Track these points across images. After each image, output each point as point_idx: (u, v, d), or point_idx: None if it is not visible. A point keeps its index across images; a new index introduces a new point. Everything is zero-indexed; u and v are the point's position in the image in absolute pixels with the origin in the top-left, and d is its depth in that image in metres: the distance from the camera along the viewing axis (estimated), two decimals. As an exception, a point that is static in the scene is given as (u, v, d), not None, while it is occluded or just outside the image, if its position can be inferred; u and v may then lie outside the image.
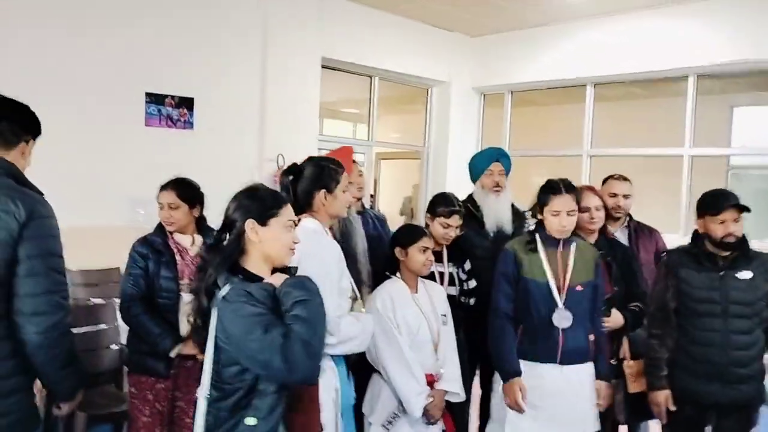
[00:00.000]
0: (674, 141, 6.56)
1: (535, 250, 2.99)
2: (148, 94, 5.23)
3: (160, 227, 3.13)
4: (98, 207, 4.82)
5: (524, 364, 2.89)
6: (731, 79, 6.75)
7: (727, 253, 2.90)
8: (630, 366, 3.17)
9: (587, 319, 2.94)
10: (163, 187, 3.12)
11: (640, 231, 3.75)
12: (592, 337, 2.94)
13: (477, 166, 3.91)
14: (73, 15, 4.83)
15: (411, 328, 2.92)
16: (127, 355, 3.16)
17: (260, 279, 1.99)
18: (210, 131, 5.59)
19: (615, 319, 3.15)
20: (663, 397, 2.94)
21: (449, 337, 3.07)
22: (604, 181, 3.81)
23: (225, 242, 2.03)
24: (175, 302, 2.98)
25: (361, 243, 3.14)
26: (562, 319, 2.86)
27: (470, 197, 3.85)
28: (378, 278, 3.18)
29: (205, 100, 5.57)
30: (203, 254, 2.11)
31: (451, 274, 3.35)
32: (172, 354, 2.90)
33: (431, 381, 2.93)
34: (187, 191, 3.13)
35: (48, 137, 4.69)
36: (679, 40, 6.23)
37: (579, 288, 2.94)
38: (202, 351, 2.02)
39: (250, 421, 1.87)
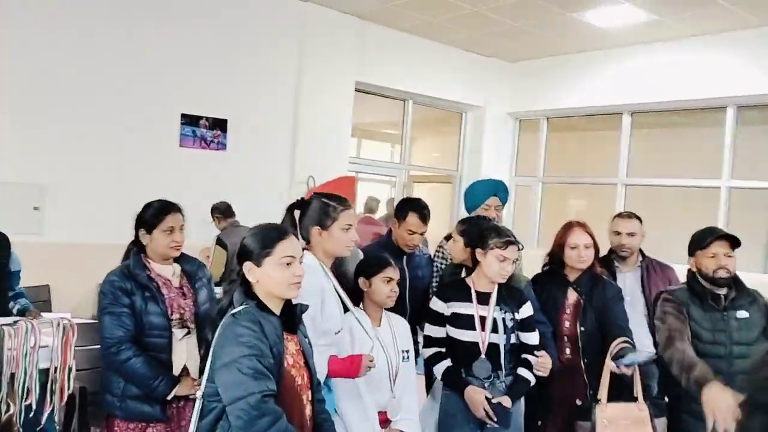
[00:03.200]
0: (712, 172, 6.40)
1: (457, 272, 3.12)
2: (183, 116, 5.35)
3: (137, 258, 2.78)
4: (129, 225, 4.91)
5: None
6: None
7: (724, 291, 2.86)
8: (603, 409, 2.78)
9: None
10: (168, 209, 2.82)
11: (652, 269, 3.67)
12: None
13: (475, 198, 3.83)
14: (114, 39, 4.99)
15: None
16: (110, 401, 2.73)
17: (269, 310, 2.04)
18: (242, 153, 5.69)
19: (543, 362, 2.94)
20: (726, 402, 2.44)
21: (409, 374, 2.93)
22: (613, 218, 3.79)
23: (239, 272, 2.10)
24: (166, 340, 2.70)
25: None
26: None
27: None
28: (414, 318, 3.21)
29: (239, 121, 5.68)
30: (225, 286, 2.17)
31: (495, 320, 2.94)
32: (170, 397, 2.66)
33: (384, 419, 2.80)
34: (182, 211, 2.87)
35: (85, 157, 4.89)
36: (718, 70, 6.11)
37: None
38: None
39: None
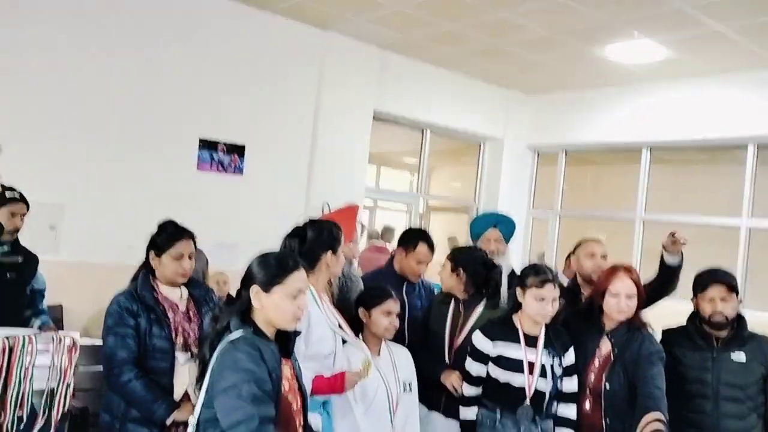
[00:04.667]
0: (732, 210, 6.32)
1: (447, 303, 3.12)
2: (201, 141, 5.42)
3: (146, 279, 2.78)
4: (143, 246, 4.95)
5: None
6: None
7: (722, 333, 2.82)
8: None
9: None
10: (180, 236, 2.81)
11: None
12: None
13: (474, 231, 3.80)
14: (134, 63, 5.08)
15: (367, 393, 2.75)
16: (109, 421, 2.72)
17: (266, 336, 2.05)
18: (259, 177, 5.73)
19: None
20: None
21: (411, 406, 2.90)
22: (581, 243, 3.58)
23: (240, 297, 2.10)
24: (170, 364, 2.69)
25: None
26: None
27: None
28: (412, 348, 3.18)
29: (257, 147, 5.73)
30: (220, 305, 2.16)
31: (543, 367, 2.83)
32: (168, 422, 2.62)
33: None
34: (195, 238, 2.87)
35: (102, 177, 4.96)
36: (738, 108, 6.06)
37: None
38: None
39: None
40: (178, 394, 2.67)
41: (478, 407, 2.91)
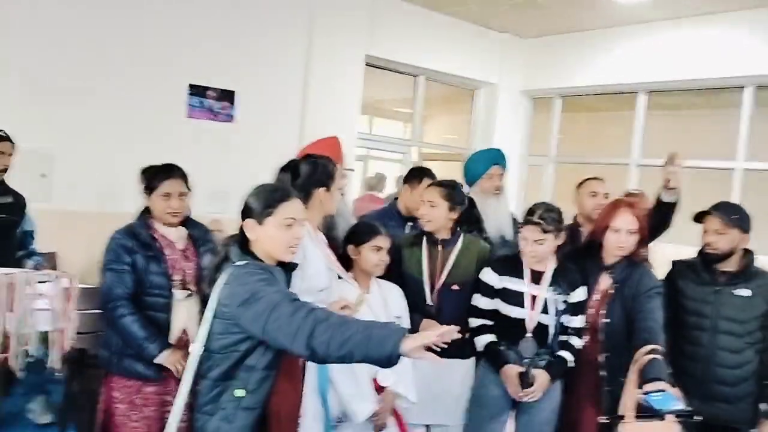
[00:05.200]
0: (727, 153, 6.27)
1: (418, 245, 3.04)
2: (191, 86, 5.31)
3: (143, 218, 2.83)
4: (137, 194, 4.91)
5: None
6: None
7: (727, 268, 2.82)
8: (628, 429, 2.45)
9: (462, 319, 2.90)
10: (168, 174, 2.81)
11: None
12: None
13: (477, 169, 3.75)
14: (117, 8, 4.93)
15: None
16: (107, 357, 2.79)
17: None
18: (250, 124, 5.65)
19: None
20: None
21: None
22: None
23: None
24: (167, 300, 2.72)
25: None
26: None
27: (470, 202, 3.59)
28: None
29: (247, 93, 5.62)
30: (223, 241, 2.19)
31: (546, 301, 2.89)
32: (157, 361, 2.65)
33: (378, 387, 2.79)
34: (186, 178, 2.89)
35: (92, 125, 4.88)
36: (736, 49, 5.95)
37: (455, 288, 2.98)
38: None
39: (239, 392, 1.93)
40: (175, 331, 2.71)
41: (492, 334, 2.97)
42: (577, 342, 2.91)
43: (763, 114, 6.22)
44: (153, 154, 5.00)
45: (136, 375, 2.71)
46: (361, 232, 2.88)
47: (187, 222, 2.90)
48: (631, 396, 2.48)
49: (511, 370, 2.82)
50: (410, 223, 3.58)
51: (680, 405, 2.39)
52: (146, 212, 2.85)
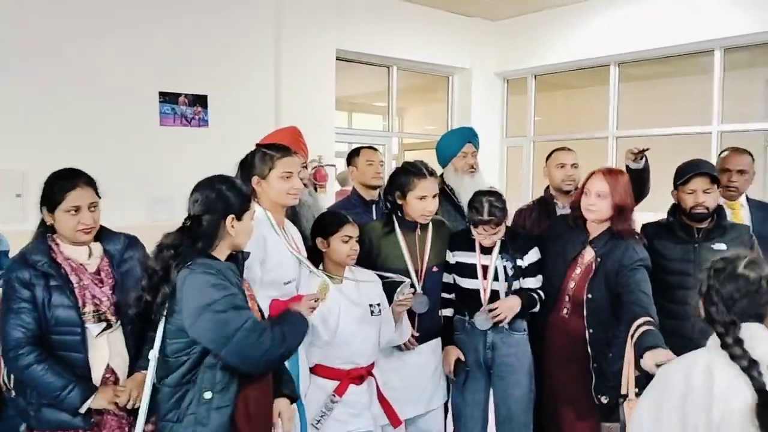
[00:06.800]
0: (703, 118, 6.32)
1: (392, 233, 3.01)
2: (161, 94, 5.27)
3: (40, 240, 2.31)
4: (115, 207, 4.83)
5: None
6: (763, 50, 6.46)
7: (703, 225, 2.83)
8: (633, 407, 2.26)
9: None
10: (72, 183, 2.31)
11: None
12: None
13: (449, 148, 3.74)
14: (85, 16, 4.88)
15: (329, 323, 2.67)
16: (23, 408, 2.29)
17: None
18: (225, 128, 5.59)
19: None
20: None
21: (387, 326, 2.87)
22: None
23: (203, 225, 2.06)
24: (79, 336, 2.22)
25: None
26: (419, 304, 2.94)
27: (442, 181, 3.62)
28: None
29: (220, 97, 5.58)
30: (164, 238, 2.06)
31: (496, 269, 2.96)
32: (82, 410, 2.20)
33: (359, 374, 2.75)
34: (95, 183, 2.39)
35: (65, 141, 4.82)
36: (702, 14, 5.99)
37: (435, 269, 3.05)
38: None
39: (207, 395, 1.92)
40: (97, 371, 2.27)
41: (453, 308, 3.14)
42: (532, 284, 3.00)
43: (734, 77, 6.26)
44: (127, 166, 5.01)
45: (59, 426, 2.24)
46: (327, 224, 2.81)
47: (103, 235, 2.39)
48: (631, 374, 2.36)
49: (452, 352, 3.03)
50: (374, 206, 3.65)
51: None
52: (44, 231, 2.34)
